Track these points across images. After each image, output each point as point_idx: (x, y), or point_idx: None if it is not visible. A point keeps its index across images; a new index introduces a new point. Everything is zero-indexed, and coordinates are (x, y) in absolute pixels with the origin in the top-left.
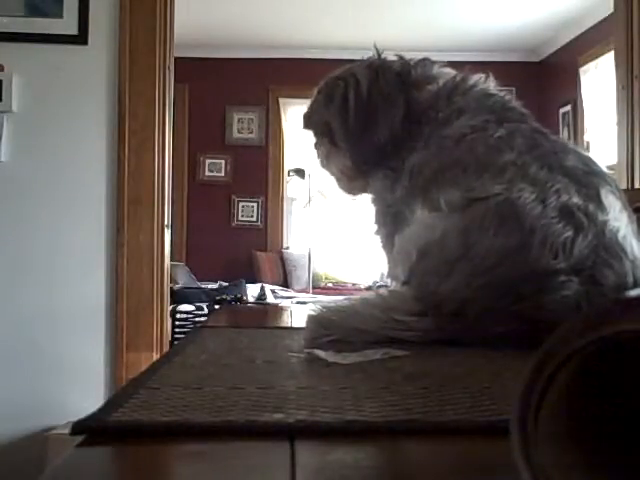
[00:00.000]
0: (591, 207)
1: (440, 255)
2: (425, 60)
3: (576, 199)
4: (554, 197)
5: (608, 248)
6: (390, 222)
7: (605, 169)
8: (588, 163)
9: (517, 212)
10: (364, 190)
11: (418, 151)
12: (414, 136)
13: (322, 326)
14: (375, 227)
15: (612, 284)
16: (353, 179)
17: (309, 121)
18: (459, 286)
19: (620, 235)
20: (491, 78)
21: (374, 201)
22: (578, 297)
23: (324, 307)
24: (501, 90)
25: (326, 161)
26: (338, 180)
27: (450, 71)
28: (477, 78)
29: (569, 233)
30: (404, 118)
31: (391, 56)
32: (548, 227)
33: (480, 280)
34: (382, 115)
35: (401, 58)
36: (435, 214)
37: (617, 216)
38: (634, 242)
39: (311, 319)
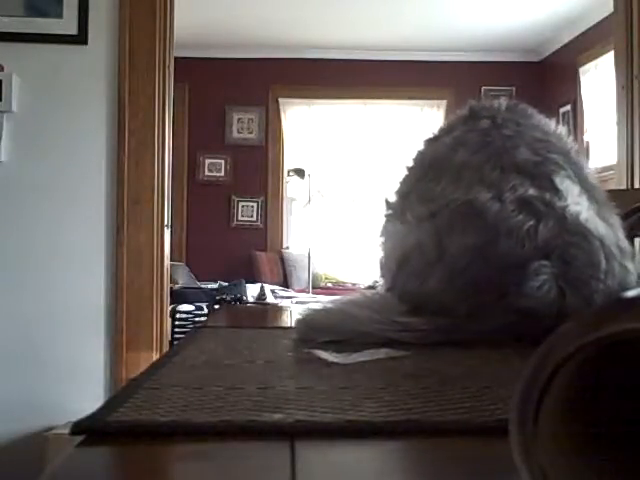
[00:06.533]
0: (547, 195)
1: (418, 260)
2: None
3: (532, 191)
4: (509, 192)
5: (571, 231)
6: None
7: (570, 147)
8: (540, 152)
9: (477, 211)
10: None
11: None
12: None
13: (311, 329)
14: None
15: (584, 261)
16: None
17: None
18: (440, 288)
19: (582, 218)
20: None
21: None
22: (556, 278)
23: (312, 310)
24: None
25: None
26: None
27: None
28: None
29: (531, 222)
30: None
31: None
32: (509, 220)
33: (460, 281)
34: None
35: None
36: (406, 226)
37: (576, 200)
38: (598, 222)
39: (300, 322)
